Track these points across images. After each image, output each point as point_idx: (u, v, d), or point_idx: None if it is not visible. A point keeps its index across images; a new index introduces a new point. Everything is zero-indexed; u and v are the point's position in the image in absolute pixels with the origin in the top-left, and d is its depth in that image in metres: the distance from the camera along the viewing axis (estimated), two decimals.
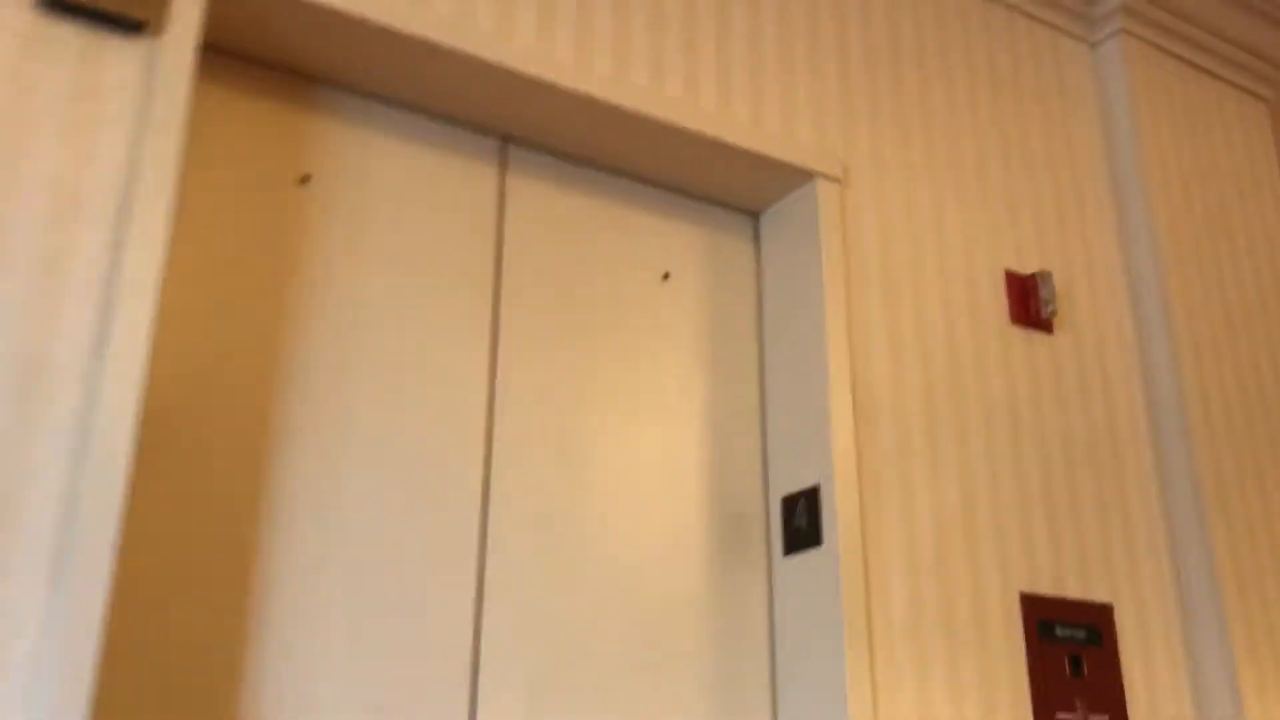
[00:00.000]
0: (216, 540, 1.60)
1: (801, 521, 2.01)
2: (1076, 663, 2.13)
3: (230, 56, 1.83)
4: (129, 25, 1.56)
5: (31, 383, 1.38)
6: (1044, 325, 2.39)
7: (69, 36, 1.53)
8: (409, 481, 1.76)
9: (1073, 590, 2.20)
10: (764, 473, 2.12)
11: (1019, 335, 2.35)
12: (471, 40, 1.85)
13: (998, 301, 2.34)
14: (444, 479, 1.80)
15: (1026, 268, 2.42)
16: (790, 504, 2.04)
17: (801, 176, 2.16)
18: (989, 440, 2.21)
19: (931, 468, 2.12)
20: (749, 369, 2.18)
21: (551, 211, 2.05)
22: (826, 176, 2.16)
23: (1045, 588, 2.16)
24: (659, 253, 2.15)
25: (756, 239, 2.28)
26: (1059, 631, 2.12)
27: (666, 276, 2.14)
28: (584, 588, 1.87)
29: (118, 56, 1.56)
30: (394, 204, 1.90)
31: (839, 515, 1.94)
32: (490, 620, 1.77)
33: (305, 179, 1.83)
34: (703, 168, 2.14)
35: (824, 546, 1.95)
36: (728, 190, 2.21)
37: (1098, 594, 2.23)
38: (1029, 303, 2.37)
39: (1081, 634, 2.15)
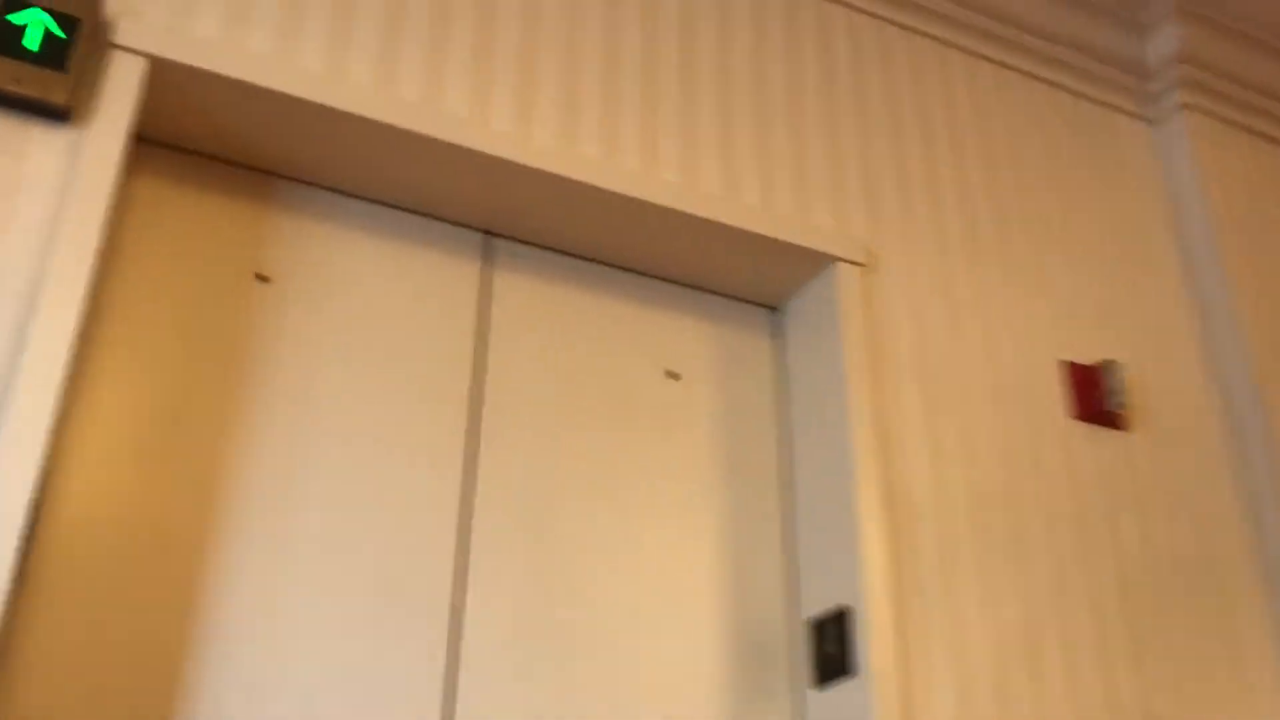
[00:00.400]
0: (143, 669, 1.41)
1: (831, 648, 1.74)
2: None
3: (179, 151, 1.72)
4: (52, 113, 1.46)
5: None
6: (1113, 421, 2.11)
7: None
8: (366, 612, 1.56)
9: None
10: (789, 594, 1.86)
11: (1083, 432, 2.07)
12: (445, 126, 1.72)
13: (1055, 395, 2.08)
14: (408, 611, 1.58)
15: (1088, 358, 2.16)
16: (818, 628, 1.78)
17: (819, 261, 1.96)
18: (1054, 553, 1.93)
19: (985, 586, 1.83)
20: (770, 477, 1.94)
21: (542, 309, 1.88)
22: (846, 260, 1.96)
23: None
24: (665, 351, 1.95)
25: (778, 335, 2.07)
26: None
27: (674, 376, 1.94)
28: None
29: (41, 146, 1.45)
30: (360, 305, 1.74)
31: (872, 641, 1.67)
32: None
33: (263, 278, 1.69)
34: (708, 256, 1.95)
35: (857, 677, 1.67)
36: (739, 281, 2.01)
37: None
38: (1093, 396, 2.10)
39: None
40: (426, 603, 1.59)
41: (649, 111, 1.94)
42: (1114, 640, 1.90)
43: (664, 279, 2.01)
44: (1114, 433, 2.10)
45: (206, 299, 1.64)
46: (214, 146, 1.72)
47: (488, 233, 1.89)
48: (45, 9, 1.48)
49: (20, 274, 1.37)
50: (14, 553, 1.22)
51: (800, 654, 1.80)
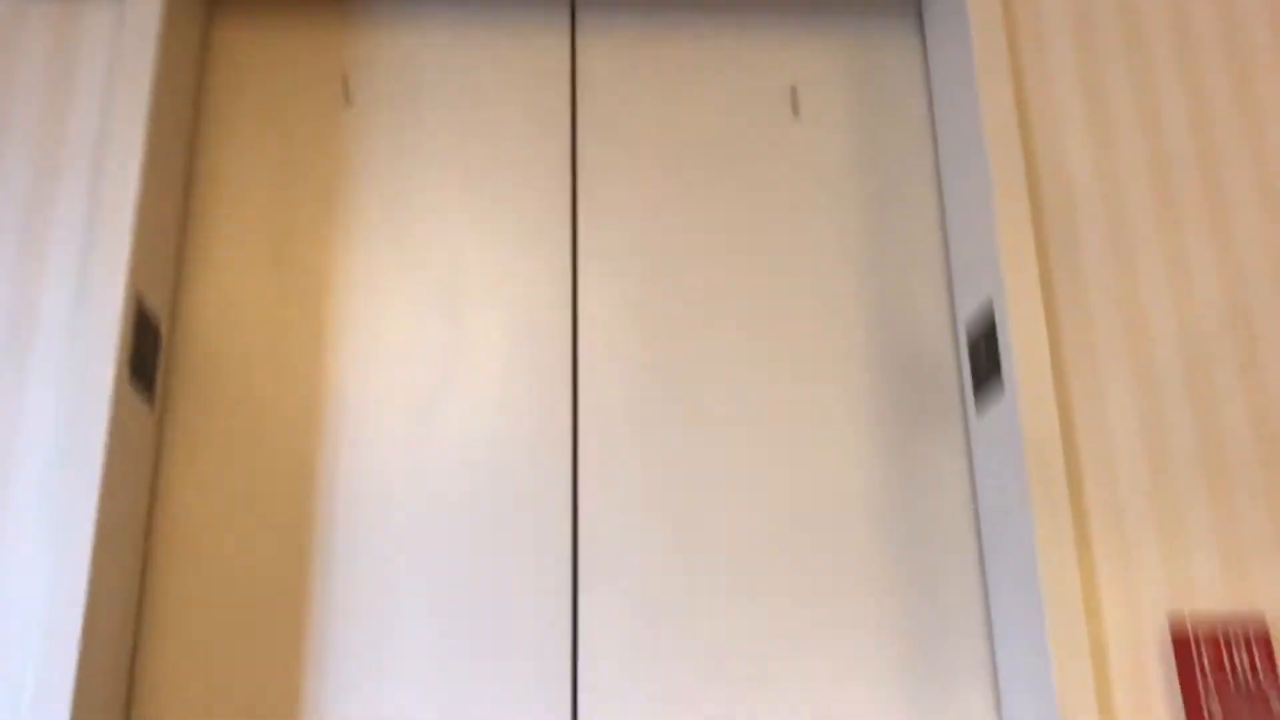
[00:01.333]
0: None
1: (983, 356, 1.56)
2: None
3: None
4: None
5: (20, 330, 1.42)
6: None
7: (47, 9, 1.57)
8: (492, 396, 1.61)
9: None
10: (950, 306, 1.69)
11: None
12: None
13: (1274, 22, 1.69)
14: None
15: None
16: (970, 335, 1.60)
17: None
18: (1267, 215, 1.59)
19: (1172, 262, 1.56)
20: (924, 185, 1.74)
21: (640, 64, 1.78)
22: None
23: None
24: (787, 78, 1.79)
25: (921, 36, 1.84)
26: None
27: (798, 107, 1.78)
28: (719, 492, 1.59)
29: (91, 19, 1.58)
30: (447, 103, 1.75)
31: (1017, 344, 1.48)
32: (589, 518, 1.56)
33: (350, 94, 1.74)
34: None
35: (1006, 388, 1.50)
36: None
37: None
38: None
39: None
40: (551, 385, 1.62)
41: None
42: None
43: None
44: None
45: (300, 125, 1.72)
46: None
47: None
48: None
49: (88, 137, 1.51)
50: (110, 401, 1.39)
51: (963, 369, 1.64)
